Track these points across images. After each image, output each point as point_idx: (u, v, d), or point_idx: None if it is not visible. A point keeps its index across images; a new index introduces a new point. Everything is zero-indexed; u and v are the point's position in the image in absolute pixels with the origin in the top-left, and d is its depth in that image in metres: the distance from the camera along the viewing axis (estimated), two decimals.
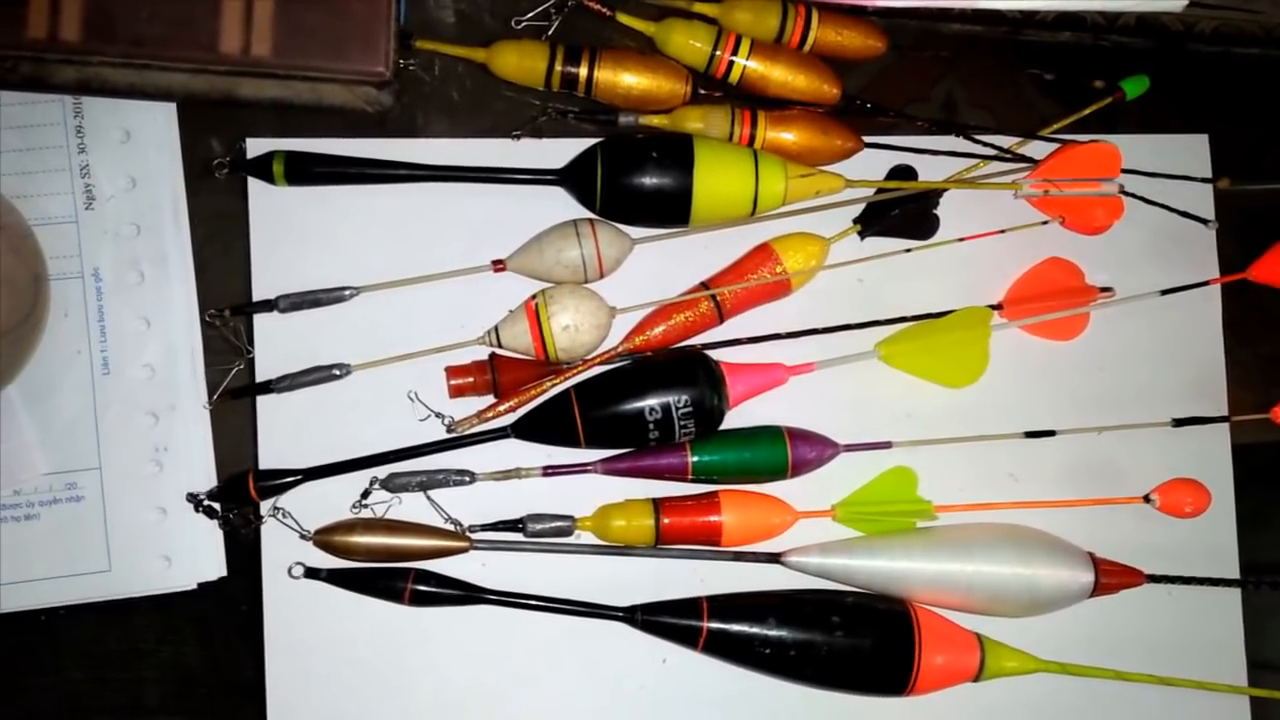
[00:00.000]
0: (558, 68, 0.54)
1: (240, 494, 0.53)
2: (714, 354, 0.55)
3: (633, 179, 0.53)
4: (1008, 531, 0.55)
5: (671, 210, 0.53)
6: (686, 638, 0.52)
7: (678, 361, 0.54)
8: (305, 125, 0.55)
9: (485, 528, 0.54)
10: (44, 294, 0.53)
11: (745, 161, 0.53)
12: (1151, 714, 0.58)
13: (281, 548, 0.54)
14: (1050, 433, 0.57)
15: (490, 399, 0.54)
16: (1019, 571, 0.53)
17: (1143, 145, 0.59)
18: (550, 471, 0.54)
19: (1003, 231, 0.57)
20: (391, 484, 0.54)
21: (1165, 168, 0.58)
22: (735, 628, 0.52)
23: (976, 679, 0.53)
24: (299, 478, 0.53)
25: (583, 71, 0.54)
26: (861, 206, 0.57)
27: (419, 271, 0.55)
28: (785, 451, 0.53)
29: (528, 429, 0.54)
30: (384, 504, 0.54)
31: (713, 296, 0.54)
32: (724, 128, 0.55)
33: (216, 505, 0.54)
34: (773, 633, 0.52)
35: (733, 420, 0.54)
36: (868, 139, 0.57)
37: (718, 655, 0.53)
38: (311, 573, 0.53)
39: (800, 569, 0.54)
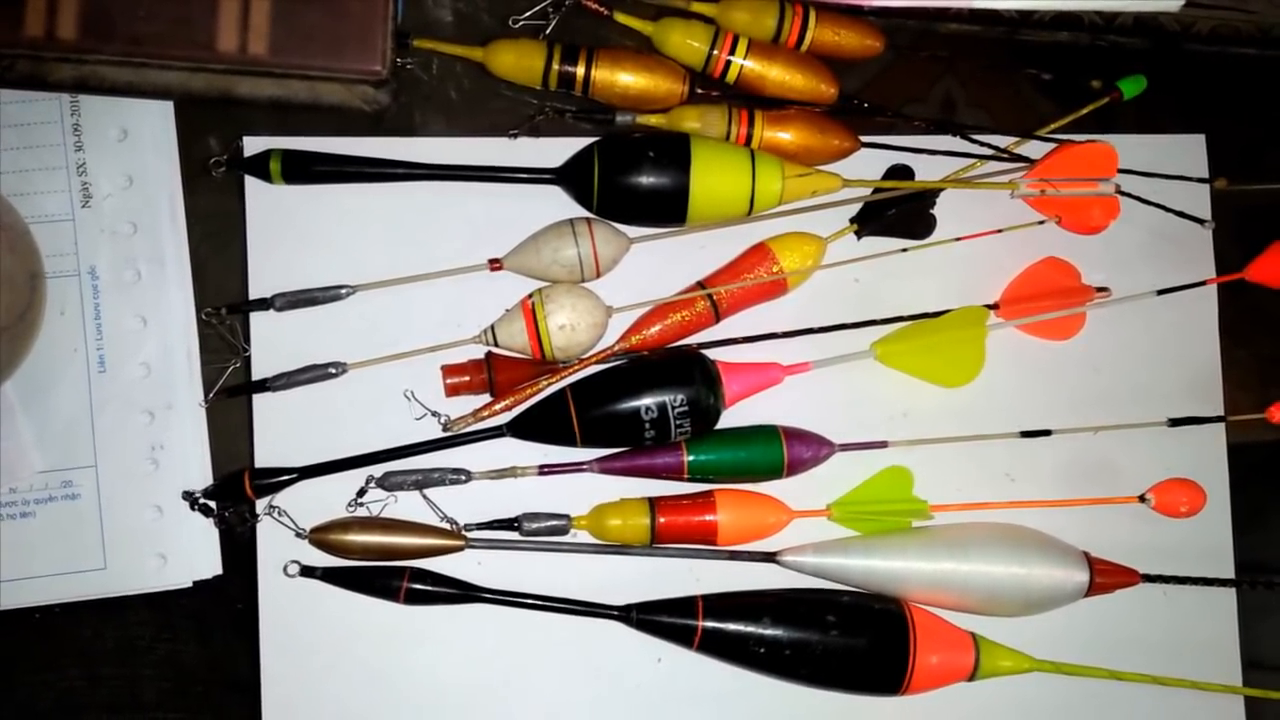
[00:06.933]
0: (555, 67, 0.54)
1: (236, 492, 0.53)
2: (710, 353, 0.55)
3: (629, 178, 0.53)
4: (1003, 531, 0.55)
5: (668, 209, 0.53)
6: (682, 637, 0.53)
7: (674, 361, 0.54)
8: (302, 124, 0.55)
9: (481, 526, 0.54)
10: (40, 292, 0.53)
11: (742, 161, 0.53)
12: (1147, 714, 0.58)
13: (277, 546, 0.54)
14: (1046, 432, 0.57)
15: (486, 398, 0.54)
16: (1014, 571, 0.53)
17: (1140, 145, 0.59)
18: (546, 470, 0.54)
19: (999, 231, 0.57)
20: (387, 482, 0.54)
21: (1162, 168, 0.58)
22: (730, 627, 0.52)
23: (971, 678, 0.53)
24: (295, 476, 0.53)
25: (580, 71, 0.54)
26: (858, 206, 0.57)
27: (415, 270, 0.55)
28: (781, 451, 0.53)
29: (524, 428, 0.54)
30: (380, 502, 0.54)
31: (709, 296, 0.54)
32: (721, 127, 0.55)
33: (212, 503, 0.54)
34: (768, 632, 0.52)
35: (729, 419, 0.54)
36: (865, 138, 0.57)
37: (713, 654, 0.53)
38: (307, 571, 0.53)
39: (795, 568, 0.54)
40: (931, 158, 0.57)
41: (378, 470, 0.54)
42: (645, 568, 0.55)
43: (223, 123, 0.55)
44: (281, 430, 0.54)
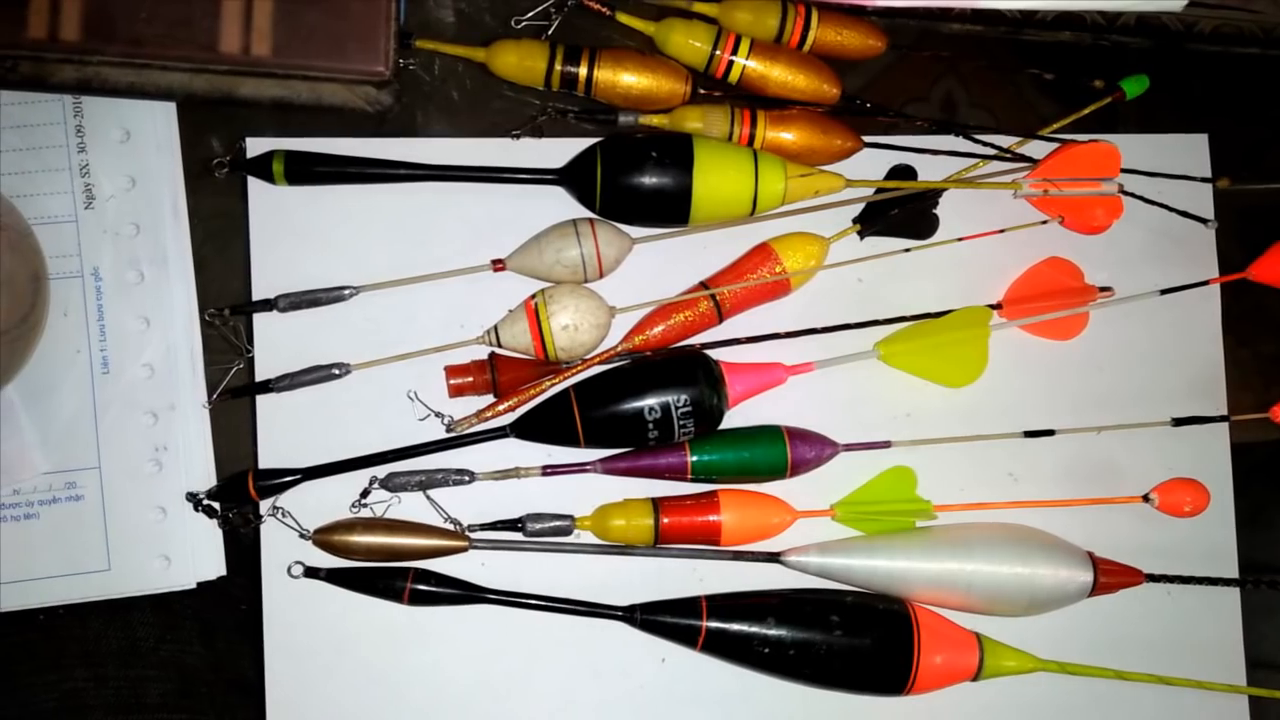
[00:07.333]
0: (557, 67, 0.54)
1: (240, 493, 0.53)
2: (713, 354, 0.55)
3: (632, 178, 0.53)
4: (1007, 531, 0.55)
5: (671, 210, 0.53)
6: (686, 637, 0.53)
7: (677, 361, 0.54)
8: (305, 124, 0.55)
9: (484, 527, 0.54)
10: (43, 293, 0.53)
11: (745, 161, 0.53)
12: (1151, 713, 0.58)
13: (281, 547, 0.54)
14: (1049, 432, 0.57)
15: (489, 398, 0.54)
16: (1018, 571, 0.53)
17: (1142, 145, 0.59)
18: (549, 471, 0.54)
19: (1002, 231, 0.57)
20: (391, 483, 0.54)
21: (1165, 167, 0.58)
22: (734, 627, 0.52)
23: (975, 678, 0.53)
24: (298, 477, 0.53)
25: (582, 71, 0.54)
26: (861, 206, 0.57)
27: (418, 271, 0.55)
28: (784, 451, 0.53)
29: (527, 428, 0.54)
30: (383, 503, 0.54)
31: (712, 296, 0.54)
32: (723, 127, 0.55)
33: (216, 505, 0.54)
34: (772, 632, 0.52)
35: (732, 420, 0.54)
36: (867, 139, 0.57)
37: (717, 655, 0.53)
38: (311, 572, 0.53)
39: (799, 568, 0.54)
40: (934, 158, 0.57)
41: (381, 471, 0.54)
42: (649, 568, 0.55)
43: (225, 124, 0.55)
44: (285, 431, 0.54)
